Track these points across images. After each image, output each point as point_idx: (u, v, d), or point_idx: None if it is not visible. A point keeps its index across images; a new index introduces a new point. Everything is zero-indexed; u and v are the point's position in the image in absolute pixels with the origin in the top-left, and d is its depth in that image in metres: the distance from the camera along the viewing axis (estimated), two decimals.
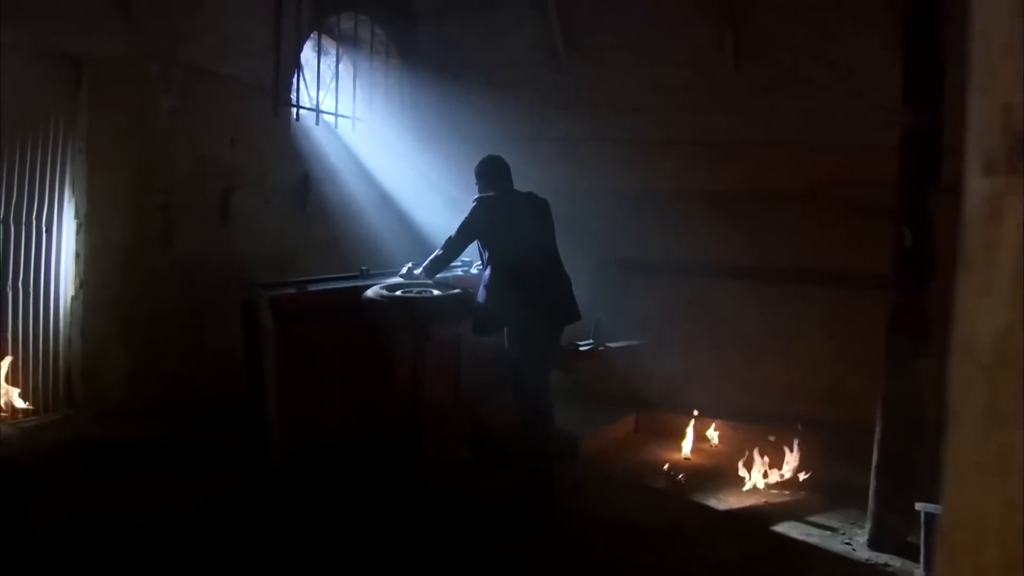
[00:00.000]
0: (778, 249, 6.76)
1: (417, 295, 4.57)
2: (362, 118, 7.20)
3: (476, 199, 4.72)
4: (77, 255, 5.27)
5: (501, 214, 4.64)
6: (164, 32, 5.31)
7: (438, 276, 4.86)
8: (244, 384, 4.96)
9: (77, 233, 5.26)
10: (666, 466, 5.33)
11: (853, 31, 6.78)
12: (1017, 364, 0.70)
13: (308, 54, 6.69)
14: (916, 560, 3.90)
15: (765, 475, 5.08)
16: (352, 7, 6.97)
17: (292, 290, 4.72)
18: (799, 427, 5.31)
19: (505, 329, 4.54)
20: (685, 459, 5.68)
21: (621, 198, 7.17)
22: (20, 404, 4.94)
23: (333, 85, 7.01)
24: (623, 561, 4.02)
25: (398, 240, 6.83)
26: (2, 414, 4.86)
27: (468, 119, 7.60)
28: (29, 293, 5.05)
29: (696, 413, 6.05)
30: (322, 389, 4.71)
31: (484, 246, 4.68)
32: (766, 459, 5.16)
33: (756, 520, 4.59)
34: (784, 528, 4.47)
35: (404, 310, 4.48)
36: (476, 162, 4.94)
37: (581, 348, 5.27)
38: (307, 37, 6.52)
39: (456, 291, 4.62)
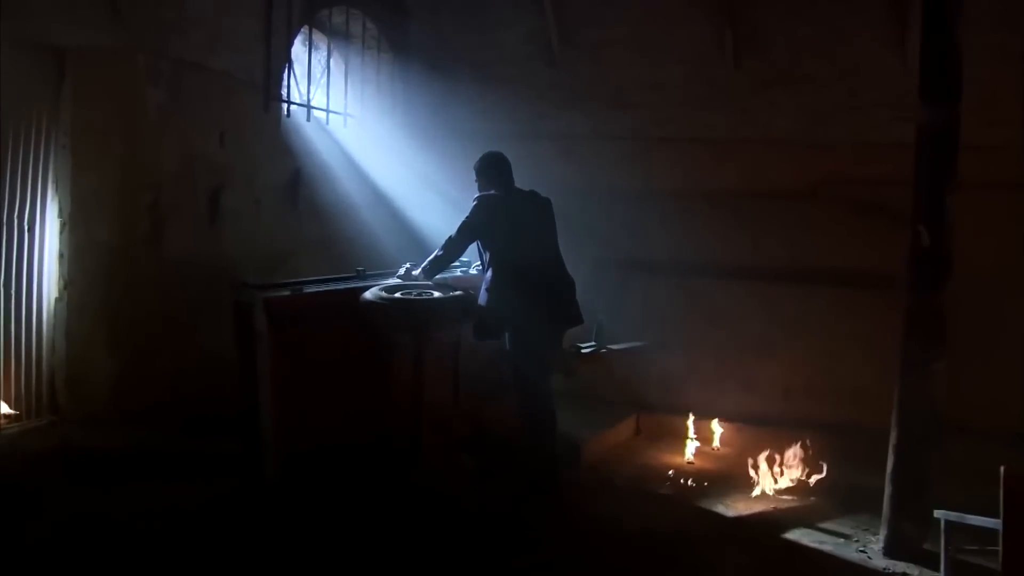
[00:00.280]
0: (779, 248, 6.66)
1: (417, 297, 4.42)
2: (354, 114, 7.04)
3: (477, 198, 4.57)
4: (61, 255, 5.07)
5: (503, 214, 4.49)
6: (151, 24, 5.12)
7: (437, 277, 4.70)
8: (235, 388, 4.79)
9: (61, 232, 5.06)
10: (671, 471, 5.21)
11: (854, 28, 6.69)
12: None
13: (298, 49, 6.52)
14: (935, 568, 3.78)
15: (775, 480, 4.95)
16: (344, 1, 6.79)
17: (286, 292, 4.55)
18: (807, 443, 5.17)
19: (507, 332, 4.39)
20: (688, 463, 5.56)
21: (618, 197, 7.04)
22: (3, 410, 4.75)
23: (324, 81, 6.84)
24: (635, 572, 3.89)
25: (392, 239, 6.67)
26: None
27: (461, 116, 7.46)
28: (11, 295, 4.85)
29: (697, 416, 5.93)
30: (318, 393, 4.54)
31: (485, 247, 4.53)
32: (779, 464, 5.03)
33: (766, 527, 4.47)
34: (796, 535, 4.35)
35: (405, 312, 4.32)
36: (473, 159, 4.79)
37: (583, 350, 5.13)
38: (298, 31, 6.35)
39: (457, 293, 4.47)
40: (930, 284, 4.01)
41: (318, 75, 6.80)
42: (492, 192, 4.57)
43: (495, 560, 3.87)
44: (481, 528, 4.18)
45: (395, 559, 3.84)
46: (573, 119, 7.41)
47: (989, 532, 3.62)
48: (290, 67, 6.30)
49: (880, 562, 4.05)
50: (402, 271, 4.83)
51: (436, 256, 4.62)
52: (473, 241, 4.58)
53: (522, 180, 4.87)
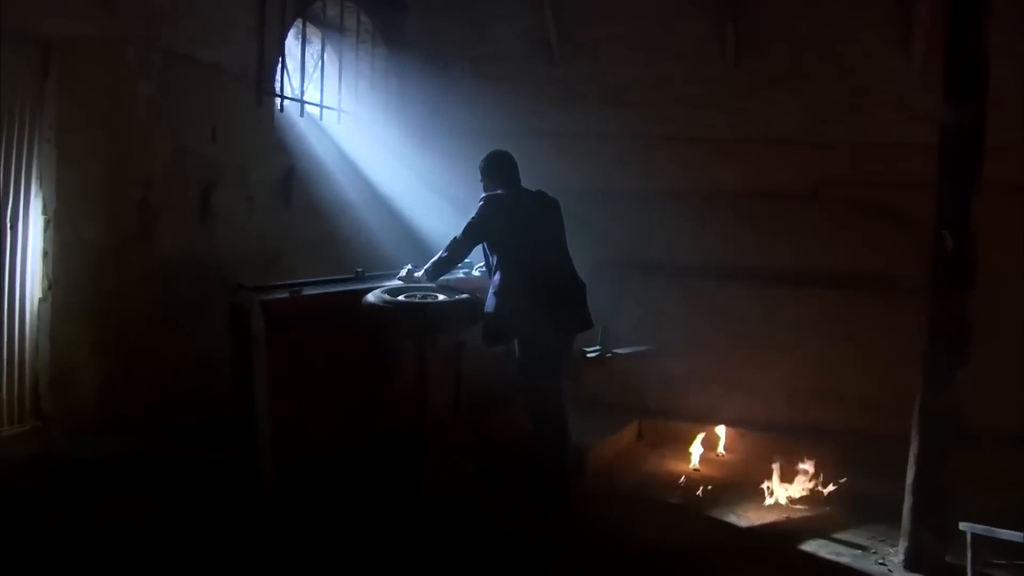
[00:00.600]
0: (780, 249, 6.55)
1: (422, 300, 4.25)
2: (347, 110, 6.85)
3: (483, 198, 4.41)
4: (45, 254, 4.84)
5: (511, 214, 4.33)
6: (141, 13, 4.91)
7: (440, 280, 4.54)
8: (229, 393, 4.61)
9: (45, 230, 4.83)
10: (682, 480, 5.08)
11: (857, 25, 6.61)
12: None
13: (291, 42, 6.32)
14: None
15: (787, 489, 4.83)
16: None
17: (284, 294, 4.37)
18: (820, 452, 5.05)
19: (517, 337, 4.23)
20: (695, 470, 5.43)
21: (617, 196, 6.92)
22: None
23: (317, 76, 6.64)
24: None
25: (388, 238, 6.52)
26: None
27: (457, 113, 7.31)
28: None
29: (700, 421, 5.81)
30: (317, 400, 4.36)
31: (492, 249, 4.36)
32: (792, 473, 4.91)
33: (781, 538, 4.35)
34: (812, 547, 4.23)
35: (411, 316, 4.15)
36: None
37: (588, 355, 4.98)
38: (291, 24, 6.16)
39: (464, 296, 4.31)
40: (954, 289, 3.89)
41: (311, 70, 6.61)
42: (499, 192, 4.40)
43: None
44: (489, 540, 4.03)
45: (395, 574, 3.68)
46: (571, 117, 7.28)
47: (1016, 546, 3.54)
48: (283, 61, 6.10)
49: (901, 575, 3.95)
50: (403, 273, 4.66)
51: (440, 258, 4.45)
52: (479, 243, 4.42)
53: None
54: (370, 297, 4.24)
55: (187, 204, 5.32)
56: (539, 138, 7.01)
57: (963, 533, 3.65)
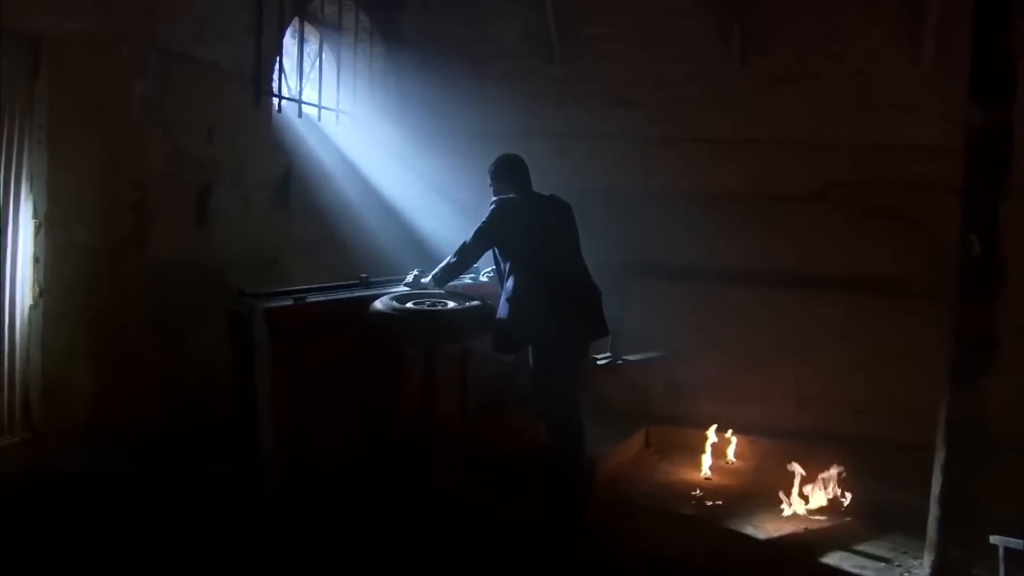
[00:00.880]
0: (787, 252, 6.45)
1: (433, 308, 4.10)
2: (346, 110, 6.69)
3: (495, 201, 4.27)
4: (36, 259, 4.66)
5: (523, 218, 4.19)
6: (136, 10, 4.74)
7: (448, 286, 4.40)
8: (228, 402, 4.42)
9: (36, 234, 4.66)
10: (697, 491, 4.96)
11: (864, 25, 6.51)
12: None
13: (288, 41, 6.16)
14: None
15: (806, 499, 4.72)
16: None
17: (288, 301, 4.21)
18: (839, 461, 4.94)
19: (531, 346, 4.09)
20: (706, 479, 5.32)
21: (619, 198, 6.79)
22: None
23: (315, 75, 6.49)
24: None
25: (388, 241, 6.37)
26: None
27: (456, 112, 7.16)
28: None
29: (710, 428, 5.70)
30: (321, 410, 4.21)
31: (504, 254, 4.22)
32: (811, 484, 4.81)
33: (801, 551, 4.23)
34: (835, 559, 4.12)
35: (422, 324, 4.00)
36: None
37: (599, 362, 4.85)
38: (289, 22, 6.00)
39: (475, 303, 4.16)
40: (981, 295, 3.79)
41: (308, 70, 6.45)
42: (511, 196, 4.26)
43: None
44: (502, 555, 3.89)
45: None
46: (572, 117, 7.16)
47: None
48: (280, 60, 5.94)
49: None
50: (410, 278, 4.51)
51: (449, 263, 4.31)
52: (490, 248, 4.28)
53: None
54: (378, 304, 4.09)
55: (183, 206, 5.15)
56: (539, 138, 6.87)
57: (992, 546, 3.54)
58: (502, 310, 4.10)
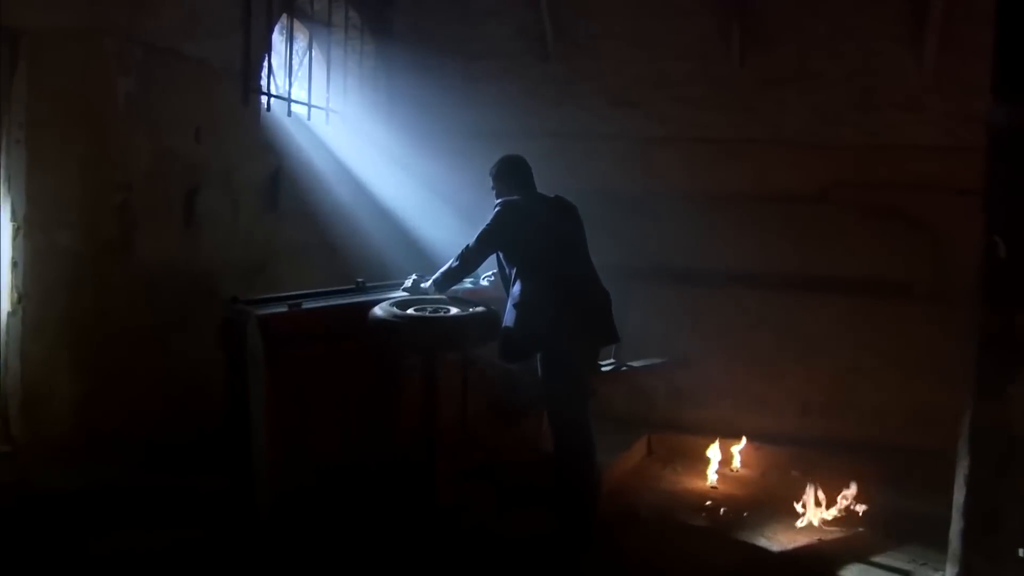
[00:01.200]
0: (789, 255, 6.31)
1: (436, 314, 3.92)
2: (336, 110, 6.49)
3: (499, 203, 4.09)
4: (14, 264, 4.46)
5: (530, 221, 4.02)
6: (120, 3, 4.54)
7: (449, 291, 4.22)
8: (218, 412, 4.23)
9: (14, 238, 4.45)
10: (709, 503, 4.81)
11: (866, 24, 6.38)
12: None
13: (276, 38, 5.96)
14: None
15: (823, 509, 4.58)
16: None
17: (282, 308, 4.02)
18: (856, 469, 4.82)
19: (539, 354, 3.91)
20: (712, 488, 5.17)
21: (616, 199, 6.62)
22: None
23: (304, 73, 6.29)
24: None
25: (381, 242, 6.18)
26: None
27: (448, 112, 6.97)
28: None
29: (713, 436, 5.56)
30: (318, 421, 4.02)
31: (509, 258, 4.04)
32: (826, 494, 4.67)
33: (818, 564, 4.09)
34: (853, 573, 3.98)
35: (426, 332, 3.82)
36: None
37: (603, 369, 4.69)
38: (278, 17, 5.80)
39: (480, 309, 3.98)
40: (1008, 300, 3.65)
41: (297, 67, 6.25)
42: (515, 198, 4.09)
43: None
44: (508, 572, 3.72)
45: None
46: (568, 117, 6.98)
47: None
48: (269, 57, 5.74)
49: None
50: (409, 283, 4.33)
51: (451, 267, 4.13)
52: (494, 251, 4.10)
53: None
54: (378, 311, 3.90)
55: (170, 208, 4.95)
56: (535, 138, 6.66)
57: (1020, 559, 3.42)
58: (509, 317, 3.93)
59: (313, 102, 6.21)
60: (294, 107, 5.98)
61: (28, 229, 4.45)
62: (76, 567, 3.53)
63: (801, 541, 4.36)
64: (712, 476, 5.26)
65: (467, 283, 4.64)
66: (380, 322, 3.86)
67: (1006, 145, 3.64)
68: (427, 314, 3.92)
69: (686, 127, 6.75)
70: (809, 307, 6.10)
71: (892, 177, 6.29)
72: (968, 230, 4.54)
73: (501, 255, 4.09)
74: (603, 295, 4.08)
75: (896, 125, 6.33)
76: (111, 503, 4.05)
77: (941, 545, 3.78)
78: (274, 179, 5.78)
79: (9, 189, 4.46)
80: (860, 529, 4.50)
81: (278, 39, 5.99)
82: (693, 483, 5.24)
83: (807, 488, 4.65)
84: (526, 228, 3.99)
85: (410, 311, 3.94)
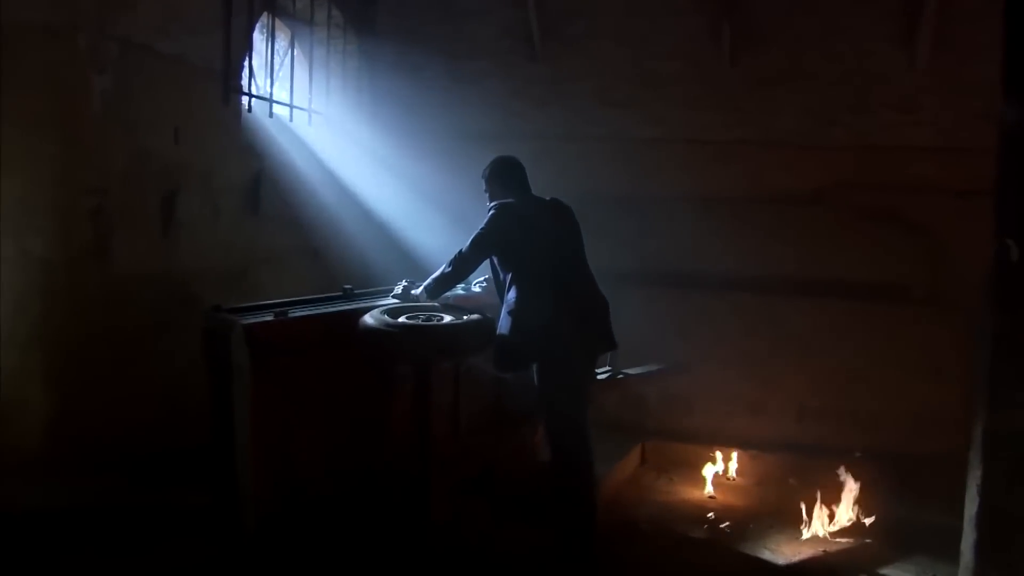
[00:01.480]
0: (782, 258, 6.20)
1: (429, 323, 3.75)
2: (319, 111, 6.31)
3: (494, 206, 3.92)
4: None
5: (525, 225, 3.85)
6: None
7: (441, 297, 4.06)
8: (198, 421, 4.04)
9: None
10: (710, 514, 4.68)
11: (859, 23, 6.30)
12: None
13: (257, 37, 5.76)
14: None
15: (829, 519, 4.46)
16: None
17: (268, 316, 3.83)
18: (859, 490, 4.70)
19: (536, 362, 3.76)
20: (710, 497, 5.04)
21: (606, 202, 6.49)
22: None
23: (285, 73, 6.10)
24: None
25: (365, 247, 6.01)
26: None
27: (433, 113, 6.81)
28: None
29: (708, 444, 5.44)
30: (306, 434, 3.84)
31: (505, 263, 3.88)
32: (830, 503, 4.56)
33: None
34: None
35: (419, 341, 3.66)
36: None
37: (599, 377, 4.54)
38: (260, 15, 5.61)
39: (474, 316, 3.82)
40: (1020, 304, 3.55)
41: (278, 67, 6.07)
42: (510, 200, 3.93)
43: None
44: None
45: None
46: (555, 118, 6.85)
47: None
48: (250, 56, 5.55)
49: None
50: (399, 290, 4.17)
51: (443, 273, 3.96)
52: (488, 256, 3.94)
53: None
54: (368, 319, 3.73)
55: (147, 213, 4.76)
56: (520, 140, 6.45)
57: None
58: (504, 325, 3.77)
59: (295, 103, 6.03)
60: (276, 108, 5.79)
61: None
62: None
63: (806, 553, 4.23)
64: (709, 486, 5.12)
65: (459, 289, 4.47)
66: (371, 331, 3.69)
67: (1018, 145, 3.54)
68: (420, 322, 3.76)
69: (677, 128, 6.63)
70: (804, 310, 5.99)
71: (887, 179, 6.21)
72: (966, 232, 4.47)
73: (495, 260, 3.93)
74: (601, 301, 3.94)
75: (891, 126, 6.24)
76: (89, 523, 3.84)
77: (949, 555, 3.69)
78: (256, 182, 5.60)
79: None
80: (867, 540, 4.38)
81: (259, 38, 5.80)
82: (689, 493, 5.11)
83: (816, 497, 4.52)
84: (522, 232, 3.83)
85: (402, 319, 3.77)
